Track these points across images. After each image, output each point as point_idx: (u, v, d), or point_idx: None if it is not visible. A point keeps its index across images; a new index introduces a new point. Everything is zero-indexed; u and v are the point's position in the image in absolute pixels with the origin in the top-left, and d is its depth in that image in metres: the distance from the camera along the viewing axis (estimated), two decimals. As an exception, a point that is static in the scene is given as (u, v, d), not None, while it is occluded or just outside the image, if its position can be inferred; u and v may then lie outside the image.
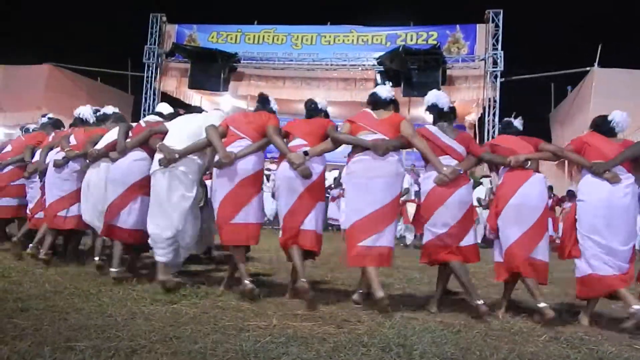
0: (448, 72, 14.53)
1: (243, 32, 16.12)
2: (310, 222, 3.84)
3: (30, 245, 5.05)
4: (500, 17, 14.68)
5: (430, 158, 3.73)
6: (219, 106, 16.50)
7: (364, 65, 15.06)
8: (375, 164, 3.69)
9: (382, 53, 14.45)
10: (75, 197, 4.90)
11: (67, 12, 24.09)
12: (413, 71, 13.89)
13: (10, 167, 5.77)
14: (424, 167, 3.93)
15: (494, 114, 14.38)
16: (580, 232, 3.64)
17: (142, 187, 4.27)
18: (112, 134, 4.67)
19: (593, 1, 24.54)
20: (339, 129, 4.01)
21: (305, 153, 3.81)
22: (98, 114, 5.39)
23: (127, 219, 4.31)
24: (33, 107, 14.55)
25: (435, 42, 14.55)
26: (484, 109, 14.83)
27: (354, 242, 3.67)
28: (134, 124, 4.79)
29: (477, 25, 15.17)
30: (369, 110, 3.97)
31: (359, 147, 3.78)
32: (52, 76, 15.45)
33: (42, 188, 5.23)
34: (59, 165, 4.92)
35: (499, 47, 14.58)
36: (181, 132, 4.19)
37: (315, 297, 3.73)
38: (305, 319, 3.33)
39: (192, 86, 15.48)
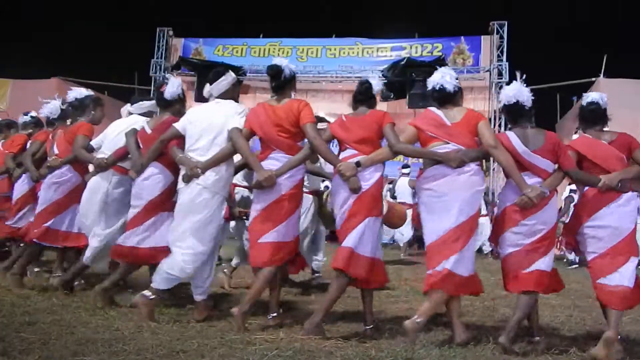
0: (453, 83, 14.56)
1: (249, 46, 16.21)
2: (350, 241, 3.29)
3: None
4: (505, 28, 14.70)
5: (513, 174, 3.22)
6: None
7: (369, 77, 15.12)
8: (449, 179, 3.22)
9: (387, 65, 14.50)
10: (59, 208, 4.47)
11: (74, 27, 24.37)
12: (418, 83, 13.90)
13: None
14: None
15: (499, 125, 14.33)
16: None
17: (159, 205, 3.82)
18: (114, 133, 4.29)
19: (598, 11, 24.57)
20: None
21: (357, 164, 3.32)
22: (71, 100, 4.74)
23: (143, 240, 3.81)
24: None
25: (440, 54, 14.59)
26: (489, 120, 14.82)
27: (430, 265, 3.24)
28: (125, 119, 4.37)
29: (482, 36, 15.21)
30: (435, 110, 3.42)
31: (432, 160, 3.31)
32: (61, 90, 15.43)
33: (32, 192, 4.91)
34: (44, 176, 4.53)
35: (504, 58, 14.58)
36: (203, 135, 3.59)
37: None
38: (312, 332, 3.31)
39: (198, 99, 15.46)
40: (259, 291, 3.42)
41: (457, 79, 3.49)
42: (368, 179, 3.34)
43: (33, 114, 5.69)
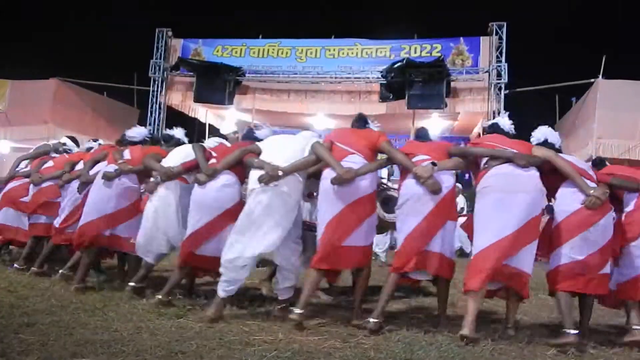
0: (452, 84, 14.51)
1: (248, 46, 16.18)
2: (436, 244, 3.48)
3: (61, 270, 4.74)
4: (504, 29, 14.69)
5: (576, 178, 3.39)
6: (224, 120, 16.57)
7: (368, 78, 15.05)
8: (514, 176, 3.35)
9: (386, 66, 14.50)
10: (123, 216, 4.52)
11: (74, 27, 24.38)
12: (417, 83, 13.90)
13: (49, 183, 5.38)
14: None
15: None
16: None
17: (234, 214, 3.84)
18: (179, 153, 4.40)
19: (597, 12, 24.62)
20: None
21: (434, 164, 3.47)
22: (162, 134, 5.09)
23: (213, 247, 3.89)
24: (40, 121, 14.63)
25: (439, 55, 14.59)
26: (488, 121, 14.83)
27: (487, 264, 3.27)
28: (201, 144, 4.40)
29: (481, 37, 15.20)
30: (492, 135, 3.77)
31: (495, 160, 3.46)
32: (59, 90, 15.51)
33: (82, 201, 4.80)
34: (110, 178, 4.48)
35: (503, 59, 14.57)
36: (280, 152, 3.78)
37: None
38: (311, 333, 3.32)
39: (197, 100, 15.54)
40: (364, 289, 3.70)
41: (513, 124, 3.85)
42: (445, 183, 3.49)
43: (101, 141, 5.85)
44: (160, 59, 15.96)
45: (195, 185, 4.02)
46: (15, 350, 2.63)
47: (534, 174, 3.38)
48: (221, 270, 3.65)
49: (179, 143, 4.81)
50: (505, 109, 14.56)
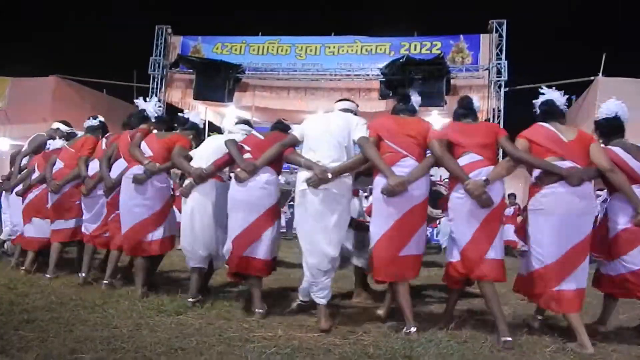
0: (452, 81, 14.51)
1: (247, 43, 16.18)
2: (496, 251, 3.34)
3: (105, 282, 4.46)
4: (504, 27, 14.69)
5: (629, 194, 3.32)
6: (224, 118, 16.57)
7: (367, 75, 15.06)
8: (569, 198, 3.22)
9: (386, 63, 14.50)
10: (160, 218, 4.35)
11: (74, 26, 24.35)
12: (417, 81, 13.89)
13: (67, 187, 5.09)
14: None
15: (498, 124, 14.37)
16: None
17: (275, 213, 3.85)
18: (208, 149, 4.23)
19: (597, 10, 24.60)
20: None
21: (486, 181, 3.28)
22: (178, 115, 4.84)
23: (262, 249, 3.74)
24: (39, 119, 14.58)
25: (439, 52, 14.58)
26: (488, 118, 14.82)
27: (547, 285, 3.26)
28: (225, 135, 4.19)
29: (481, 35, 15.20)
30: (547, 126, 3.45)
31: (549, 175, 3.29)
32: (59, 88, 15.50)
33: (110, 205, 4.67)
34: (141, 182, 4.24)
35: (503, 57, 14.58)
36: (325, 144, 3.57)
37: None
38: (310, 330, 3.32)
39: (196, 97, 15.52)
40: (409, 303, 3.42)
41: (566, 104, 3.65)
42: (498, 194, 3.36)
43: (101, 118, 5.50)
44: (159, 56, 15.95)
45: (234, 182, 3.83)
46: (15, 346, 2.64)
47: (588, 195, 3.28)
48: (309, 279, 3.55)
49: (194, 126, 4.62)
50: (505, 106, 14.59)
